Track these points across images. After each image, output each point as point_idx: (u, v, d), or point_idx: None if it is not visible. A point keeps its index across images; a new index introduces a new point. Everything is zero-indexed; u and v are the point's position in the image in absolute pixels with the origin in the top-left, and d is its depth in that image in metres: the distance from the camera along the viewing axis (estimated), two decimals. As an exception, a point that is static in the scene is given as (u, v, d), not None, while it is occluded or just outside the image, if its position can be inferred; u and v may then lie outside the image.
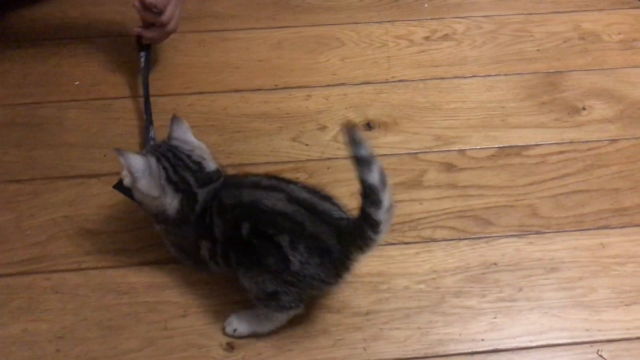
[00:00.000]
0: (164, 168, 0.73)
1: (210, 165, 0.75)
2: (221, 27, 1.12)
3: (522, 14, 1.14)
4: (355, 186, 0.87)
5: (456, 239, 0.84)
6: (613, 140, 0.94)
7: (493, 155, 0.93)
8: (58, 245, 0.82)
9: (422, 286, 0.79)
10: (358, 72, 1.05)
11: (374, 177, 0.61)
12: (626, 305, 0.77)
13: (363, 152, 0.60)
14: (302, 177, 0.90)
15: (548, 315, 0.77)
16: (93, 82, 1.03)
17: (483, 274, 0.80)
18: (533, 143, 0.94)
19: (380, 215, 0.63)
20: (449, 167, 0.92)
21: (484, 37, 1.10)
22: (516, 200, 0.87)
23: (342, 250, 0.67)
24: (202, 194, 0.73)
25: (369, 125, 0.97)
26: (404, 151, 0.94)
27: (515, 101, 1.00)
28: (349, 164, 0.90)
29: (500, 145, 0.94)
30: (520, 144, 0.94)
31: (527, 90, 1.01)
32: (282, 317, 0.73)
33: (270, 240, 0.67)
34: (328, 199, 0.72)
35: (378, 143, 0.95)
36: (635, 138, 0.94)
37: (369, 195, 0.62)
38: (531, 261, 0.81)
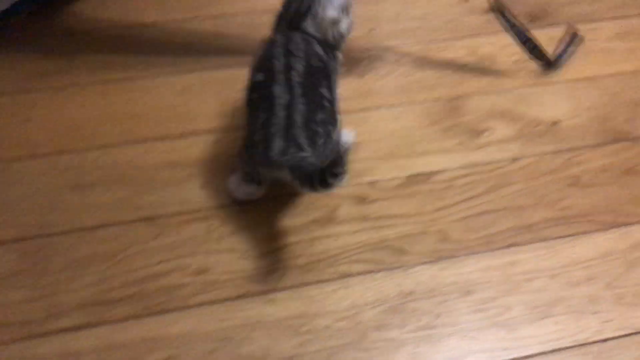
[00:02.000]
0: None
1: None
2: (124, 76, 1.10)
3: (422, 42, 1.18)
4: (271, 228, 0.88)
5: (373, 272, 0.84)
6: (514, 159, 0.98)
7: (402, 184, 0.95)
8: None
9: (343, 323, 0.79)
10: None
11: None
12: (539, 319, 0.80)
13: None
14: (215, 223, 0.89)
15: (467, 339, 0.78)
16: None
17: (401, 304, 0.81)
18: (439, 168, 0.96)
19: None
20: (361, 200, 0.93)
21: (386, 67, 1.13)
22: (427, 227, 0.89)
23: None
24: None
25: (280, 165, 0.97)
26: (316, 188, 0.94)
27: (420, 129, 1.02)
28: (263, 206, 0.91)
29: (409, 174, 0.96)
30: (427, 171, 0.96)
31: (430, 117, 1.04)
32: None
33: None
34: None
35: (290, 181, 0.95)
36: (535, 155, 0.98)
37: None
38: (446, 286, 0.83)
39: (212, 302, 0.81)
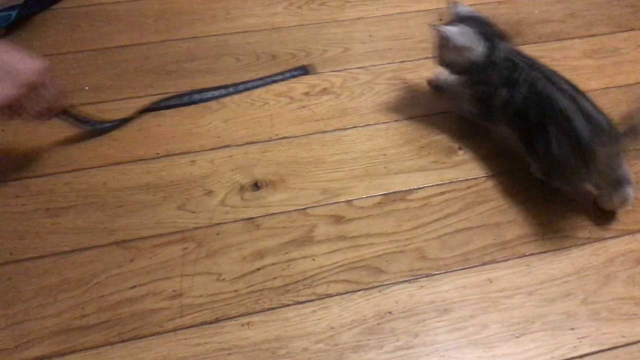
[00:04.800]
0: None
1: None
2: (97, 99, 1.09)
3: (395, 62, 1.19)
4: (247, 250, 0.87)
5: (350, 292, 0.84)
6: (489, 177, 0.98)
7: (379, 203, 0.95)
8: None
9: (320, 345, 0.79)
10: (242, 132, 1.05)
11: None
12: (516, 337, 0.80)
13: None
14: (190, 246, 0.88)
15: (445, 358, 0.78)
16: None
17: (379, 324, 0.81)
18: (415, 187, 0.97)
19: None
20: (338, 219, 0.92)
21: (361, 87, 1.13)
22: (405, 245, 0.89)
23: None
24: (501, 45, 0.95)
25: (256, 185, 0.97)
26: (293, 208, 0.94)
27: (395, 147, 1.03)
28: (238, 228, 0.90)
29: (385, 192, 0.96)
30: (403, 189, 0.96)
31: (405, 135, 1.05)
32: None
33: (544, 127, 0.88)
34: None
35: (267, 202, 0.94)
36: (509, 172, 0.99)
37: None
38: (424, 305, 0.83)
39: (187, 327, 0.80)
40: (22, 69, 0.81)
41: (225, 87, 0.99)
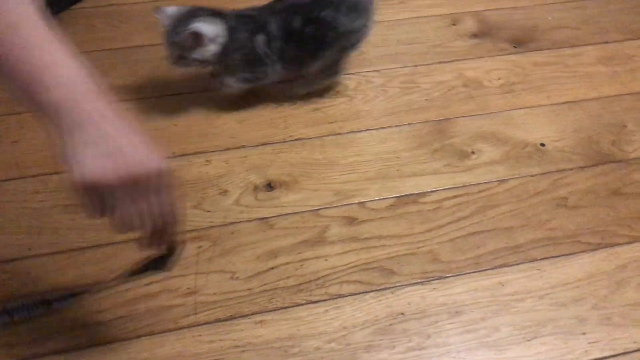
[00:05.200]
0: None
1: None
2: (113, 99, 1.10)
3: (409, 66, 1.20)
4: (261, 249, 0.88)
5: (362, 293, 0.85)
6: (502, 181, 0.99)
7: (392, 205, 0.95)
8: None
9: (333, 345, 0.79)
10: (256, 133, 1.06)
11: None
12: (528, 340, 0.80)
13: None
14: (205, 245, 0.89)
15: (457, 360, 0.79)
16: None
17: (391, 325, 0.81)
18: (428, 190, 0.97)
19: None
20: (351, 220, 0.93)
21: (374, 91, 1.14)
22: (417, 248, 0.90)
23: None
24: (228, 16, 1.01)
25: (270, 186, 0.98)
26: (306, 209, 0.95)
27: (409, 150, 1.03)
28: (252, 227, 0.91)
29: (398, 195, 0.97)
30: (416, 192, 0.97)
31: (418, 139, 1.05)
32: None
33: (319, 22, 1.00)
34: None
35: (280, 203, 0.95)
36: (522, 177, 1.00)
37: None
38: (436, 307, 0.83)
39: (202, 324, 0.81)
40: (132, 156, 0.59)
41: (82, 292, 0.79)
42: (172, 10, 1.00)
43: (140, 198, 0.61)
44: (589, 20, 1.32)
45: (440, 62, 1.21)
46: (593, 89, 1.16)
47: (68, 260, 0.87)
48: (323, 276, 0.86)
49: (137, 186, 0.60)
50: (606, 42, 1.27)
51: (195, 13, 0.99)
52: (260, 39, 1.01)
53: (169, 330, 0.80)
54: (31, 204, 0.93)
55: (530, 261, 0.89)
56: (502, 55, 1.24)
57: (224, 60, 1.01)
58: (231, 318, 0.81)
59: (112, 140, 0.58)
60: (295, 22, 1.01)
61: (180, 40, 0.97)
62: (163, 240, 0.68)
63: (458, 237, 0.91)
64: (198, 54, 0.98)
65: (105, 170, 0.57)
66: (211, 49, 0.98)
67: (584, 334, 0.81)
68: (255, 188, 0.97)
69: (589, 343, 0.80)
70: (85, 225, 0.91)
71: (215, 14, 1.00)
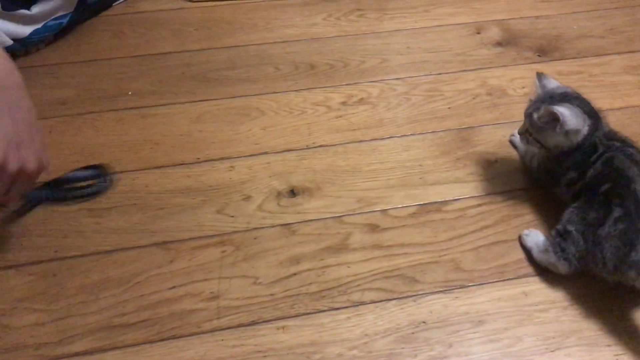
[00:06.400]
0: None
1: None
2: (140, 104, 1.12)
3: (432, 74, 1.20)
4: (283, 255, 0.88)
5: (385, 300, 0.85)
6: (526, 190, 0.98)
7: (414, 213, 0.95)
8: (-29, 345, 0.78)
9: (354, 352, 0.79)
10: (279, 140, 1.07)
11: None
12: (551, 351, 0.79)
13: None
14: (228, 250, 0.90)
15: (479, 369, 0.78)
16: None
17: (413, 333, 0.81)
18: (451, 198, 0.97)
19: None
20: (373, 227, 0.93)
21: (398, 98, 1.15)
22: (440, 256, 0.90)
23: None
24: (601, 126, 0.90)
25: (293, 192, 0.98)
26: (328, 215, 0.95)
27: (432, 158, 1.03)
28: (275, 233, 0.92)
29: (421, 203, 0.97)
30: (439, 200, 0.97)
31: (441, 147, 1.05)
32: (551, 260, 0.86)
33: (609, 205, 0.81)
34: None
35: (303, 209, 0.96)
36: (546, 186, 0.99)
37: None
38: (458, 316, 0.83)
39: (224, 328, 0.81)
40: None
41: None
42: (552, 83, 0.93)
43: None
44: (614, 29, 1.31)
45: (463, 71, 1.21)
46: (619, 98, 1.15)
47: (93, 263, 0.88)
48: (345, 283, 0.86)
49: None
50: (632, 52, 1.26)
51: (571, 98, 0.89)
52: (572, 174, 0.89)
53: (192, 334, 0.81)
54: (57, 207, 0.95)
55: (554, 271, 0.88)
56: (526, 64, 1.23)
57: (560, 160, 0.90)
58: (253, 323, 0.82)
59: None
60: None
61: (538, 115, 0.88)
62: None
63: (481, 246, 0.91)
64: (545, 137, 0.89)
65: None
66: (559, 140, 0.88)
67: (609, 345, 0.80)
68: (279, 194, 0.98)
69: (615, 355, 0.79)
70: (109, 229, 0.92)
71: (592, 114, 0.89)
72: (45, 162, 0.81)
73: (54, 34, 1.24)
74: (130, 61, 1.22)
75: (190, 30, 1.30)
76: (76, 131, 1.07)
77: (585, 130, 0.87)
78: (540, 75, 0.94)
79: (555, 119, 0.86)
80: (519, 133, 0.95)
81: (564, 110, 0.85)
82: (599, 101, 1.13)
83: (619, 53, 1.25)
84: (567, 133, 0.87)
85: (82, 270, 0.87)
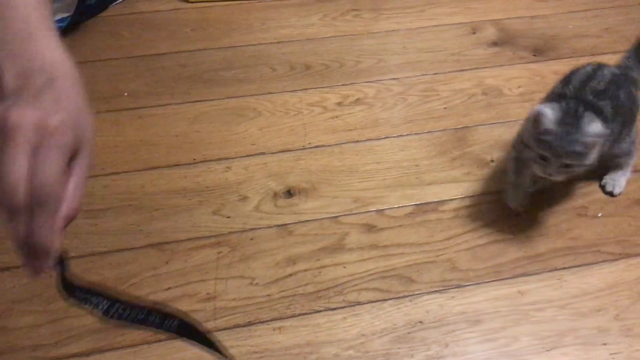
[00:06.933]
0: None
1: None
2: (136, 105, 1.12)
3: (428, 74, 1.20)
4: (280, 255, 0.88)
5: (381, 300, 0.85)
6: (521, 189, 0.99)
7: (411, 213, 0.95)
8: (-33, 347, 0.78)
9: (351, 352, 0.79)
10: (276, 140, 1.07)
11: None
12: (547, 350, 0.79)
13: None
14: (224, 250, 0.90)
15: (475, 369, 0.78)
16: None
17: (409, 333, 0.81)
18: (448, 198, 0.97)
19: None
20: (369, 228, 0.93)
21: (394, 98, 1.15)
22: (436, 256, 0.90)
23: None
24: None
25: (289, 192, 0.98)
26: (325, 215, 0.95)
27: (428, 158, 1.04)
28: (271, 234, 0.92)
29: (417, 203, 0.97)
30: (435, 200, 0.97)
31: (438, 147, 1.05)
32: None
33: None
34: None
35: (299, 209, 0.96)
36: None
37: None
38: (455, 315, 0.83)
39: (221, 329, 0.81)
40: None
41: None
42: (553, 111, 0.84)
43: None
44: (609, 28, 1.32)
45: (460, 70, 1.21)
46: (614, 97, 1.15)
47: (89, 264, 0.88)
48: (341, 283, 0.87)
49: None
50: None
51: (579, 112, 0.85)
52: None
53: (189, 335, 0.80)
54: (54, 209, 0.95)
55: (550, 270, 0.88)
56: (522, 63, 1.24)
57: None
58: (250, 324, 0.82)
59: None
60: None
61: (583, 149, 0.82)
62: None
63: (477, 246, 0.91)
64: (589, 156, 0.83)
65: None
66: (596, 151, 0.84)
67: (604, 344, 0.80)
68: (275, 195, 0.98)
69: (610, 354, 0.79)
70: (104, 230, 0.92)
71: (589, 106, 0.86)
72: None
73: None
74: (126, 62, 1.22)
75: (186, 31, 1.30)
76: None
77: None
78: (542, 113, 0.83)
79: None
80: (549, 175, 0.85)
81: (597, 126, 0.82)
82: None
83: (614, 52, 1.25)
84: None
85: (78, 272, 0.86)
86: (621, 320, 0.82)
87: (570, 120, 0.83)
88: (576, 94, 0.90)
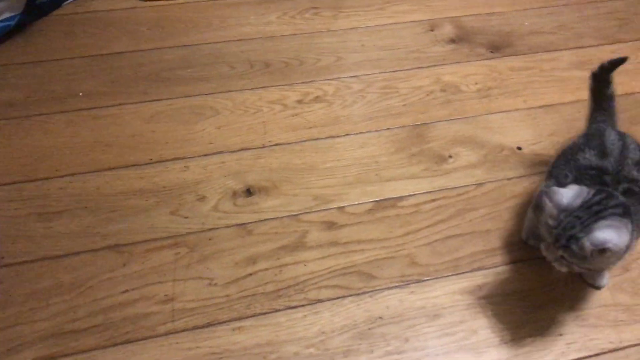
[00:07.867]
0: None
1: None
2: (91, 105, 1.10)
3: (387, 71, 1.20)
4: (239, 255, 0.87)
5: (341, 297, 0.85)
6: (479, 184, 1.00)
7: (371, 210, 0.96)
8: None
9: (311, 350, 0.79)
10: (235, 139, 1.06)
11: None
12: (505, 342, 0.81)
13: None
14: (182, 251, 0.88)
15: (435, 363, 0.79)
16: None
17: (369, 329, 0.81)
18: (406, 194, 0.98)
19: None
20: (330, 225, 0.93)
21: (353, 96, 1.15)
22: (396, 251, 0.90)
23: None
24: None
25: (249, 191, 0.98)
26: (285, 214, 0.94)
27: (387, 155, 1.04)
28: (231, 233, 0.91)
29: (377, 199, 0.97)
30: (395, 196, 0.97)
31: (397, 143, 1.06)
32: None
33: None
34: None
35: (259, 208, 0.95)
36: (499, 180, 1.00)
37: None
38: (414, 310, 0.83)
39: (179, 331, 0.80)
40: None
41: None
42: (568, 194, 0.73)
43: None
44: (564, 25, 1.34)
45: (418, 68, 1.22)
46: (569, 93, 1.18)
47: (43, 268, 0.86)
48: (302, 281, 0.86)
49: None
50: (581, 47, 1.28)
51: (603, 209, 0.72)
52: None
53: (147, 338, 0.79)
54: (5, 213, 0.92)
55: (507, 264, 0.89)
56: (479, 60, 1.25)
57: None
58: (209, 325, 0.81)
59: None
60: None
61: (579, 247, 0.71)
62: None
63: (436, 241, 0.92)
64: (594, 263, 0.73)
65: None
66: (611, 261, 0.74)
67: (561, 335, 0.82)
68: (234, 194, 0.97)
69: (566, 344, 0.81)
70: (60, 233, 0.90)
71: (626, 210, 0.73)
72: None
73: (0, 36, 1.20)
74: (81, 62, 1.19)
75: (143, 30, 1.28)
76: (25, 134, 1.04)
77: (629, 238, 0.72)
78: (548, 194, 0.74)
79: (603, 249, 0.70)
80: (551, 260, 0.76)
81: (611, 237, 0.69)
82: (550, 96, 1.16)
83: (568, 49, 1.28)
84: (617, 253, 0.72)
85: (31, 277, 0.85)
86: (576, 310, 0.84)
87: (585, 214, 0.71)
88: (617, 169, 0.77)
